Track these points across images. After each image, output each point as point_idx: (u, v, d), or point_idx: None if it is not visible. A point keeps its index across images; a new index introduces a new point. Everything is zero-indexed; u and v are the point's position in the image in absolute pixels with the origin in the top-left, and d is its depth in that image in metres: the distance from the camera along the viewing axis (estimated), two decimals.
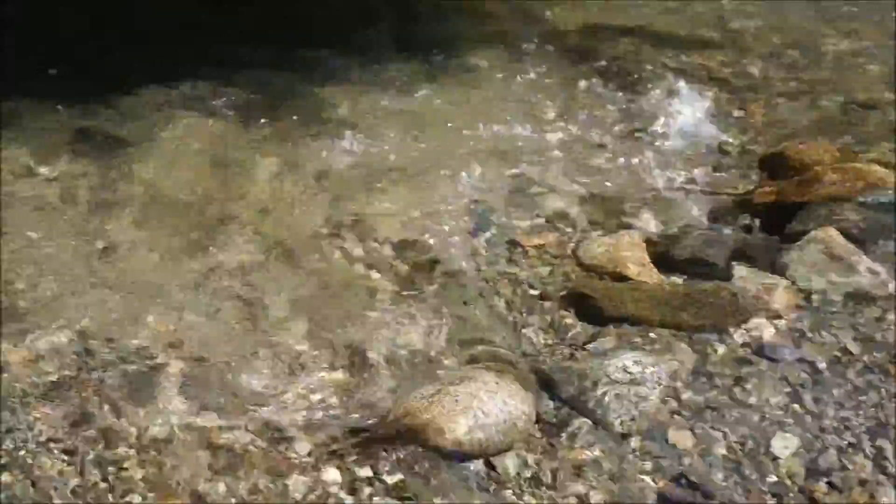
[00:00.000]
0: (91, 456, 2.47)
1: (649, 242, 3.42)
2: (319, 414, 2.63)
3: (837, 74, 4.82)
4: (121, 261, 3.30)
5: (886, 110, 4.41)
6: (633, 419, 2.60)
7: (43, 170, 3.84)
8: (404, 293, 3.16)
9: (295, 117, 4.31)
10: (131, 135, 4.11)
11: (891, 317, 2.99)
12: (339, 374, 2.79)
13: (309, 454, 2.49)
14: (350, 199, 3.69)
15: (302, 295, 3.14)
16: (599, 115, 4.39)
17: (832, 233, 3.29)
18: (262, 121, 4.27)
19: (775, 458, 2.49)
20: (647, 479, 2.44)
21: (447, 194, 3.73)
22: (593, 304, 3.08)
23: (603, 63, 4.90)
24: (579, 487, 2.41)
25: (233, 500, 2.36)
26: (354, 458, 2.47)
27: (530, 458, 2.49)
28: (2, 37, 4.64)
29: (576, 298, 3.14)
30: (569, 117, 4.37)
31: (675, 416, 2.63)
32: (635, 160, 4.03)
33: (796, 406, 2.66)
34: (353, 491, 2.39)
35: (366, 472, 2.43)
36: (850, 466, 2.46)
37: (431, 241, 3.44)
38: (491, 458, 2.47)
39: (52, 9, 4.96)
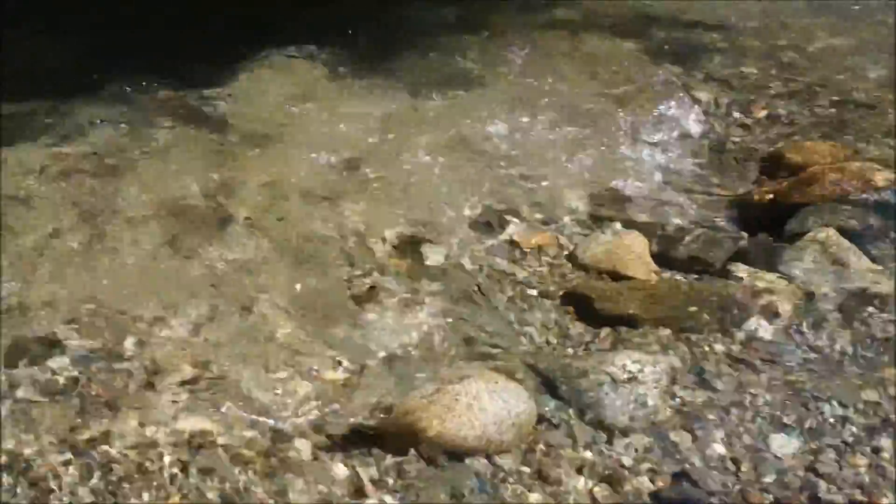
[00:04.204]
0: (91, 457, 2.47)
1: (649, 242, 3.43)
2: (320, 413, 2.63)
3: (837, 74, 4.82)
4: (119, 259, 3.31)
5: (886, 110, 4.40)
6: (632, 418, 2.61)
7: (43, 169, 3.85)
8: (404, 292, 3.16)
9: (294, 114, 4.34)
10: (129, 133, 4.14)
11: (890, 316, 3.00)
12: (340, 374, 2.79)
13: (310, 454, 2.50)
14: (349, 199, 3.69)
15: (302, 294, 3.15)
16: (598, 115, 4.39)
17: (831, 233, 3.30)
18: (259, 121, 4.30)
19: (774, 458, 2.49)
20: (647, 478, 2.44)
21: (447, 194, 3.74)
22: (593, 304, 3.09)
23: (601, 63, 4.91)
24: (579, 486, 2.42)
25: (235, 501, 2.36)
26: (356, 457, 2.48)
27: (530, 457, 2.49)
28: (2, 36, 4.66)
29: (575, 298, 3.15)
30: (567, 117, 4.37)
31: (675, 416, 2.63)
32: (635, 160, 4.03)
33: (795, 405, 2.66)
34: (354, 490, 2.39)
35: (367, 471, 2.44)
36: (849, 466, 2.46)
37: (431, 241, 3.44)
38: (491, 457, 2.48)
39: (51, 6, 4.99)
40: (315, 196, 3.70)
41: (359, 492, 2.39)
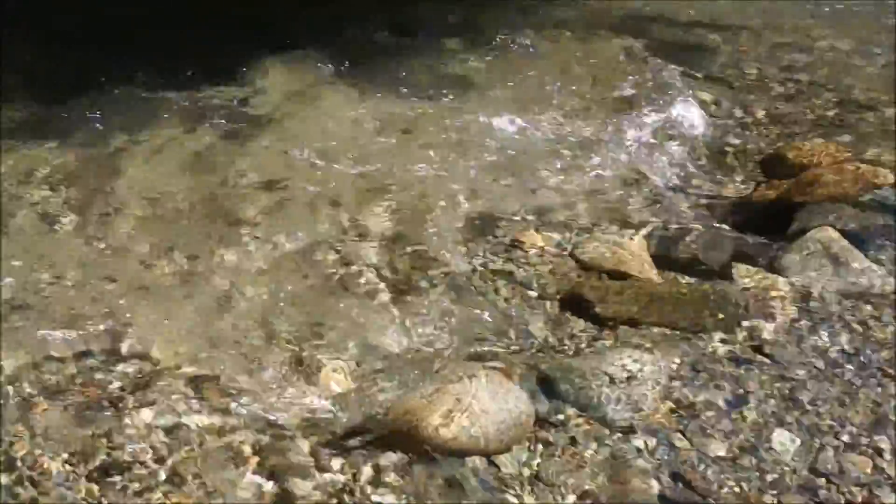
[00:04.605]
0: (92, 457, 2.47)
1: (649, 242, 3.43)
2: (320, 413, 2.64)
3: (836, 74, 4.83)
4: (118, 257, 3.32)
5: (885, 110, 4.41)
6: (632, 418, 2.61)
7: (43, 169, 3.86)
8: (404, 293, 3.16)
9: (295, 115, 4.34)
10: (129, 132, 4.16)
11: (889, 316, 3.00)
12: (339, 374, 2.79)
13: (310, 454, 2.50)
14: (348, 199, 3.69)
15: (300, 293, 3.15)
16: (599, 116, 4.39)
17: (831, 233, 3.30)
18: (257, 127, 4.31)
19: (774, 457, 2.49)
20: (647, 478, 2.44)
21: (446, 194, 3.74)
22: (593, 304, 3.09)
23: (602, 64, 4.91)
24: (578, 486, 2.41)
25: (234, 500, 2.37)
26: (355, 456, 2.48)
27: (530, 457, 2.49)
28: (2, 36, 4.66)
29: (575, 298, 3.15)
30: (567, 117, 4.37)
31: (674, 415, 2.63)
32: (635, 160, 4.03)
33: (795, 405, 2.66)
34: (353, 490, 2.39)
35: (366, 470, 2.44)
36: (849, 465, 2.46)
37: (430, 241, 3.44)
38: (491, 457, 2.48)
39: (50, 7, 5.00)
40: (313, 195, 3.70)
41: (358, 491, 2.39)
